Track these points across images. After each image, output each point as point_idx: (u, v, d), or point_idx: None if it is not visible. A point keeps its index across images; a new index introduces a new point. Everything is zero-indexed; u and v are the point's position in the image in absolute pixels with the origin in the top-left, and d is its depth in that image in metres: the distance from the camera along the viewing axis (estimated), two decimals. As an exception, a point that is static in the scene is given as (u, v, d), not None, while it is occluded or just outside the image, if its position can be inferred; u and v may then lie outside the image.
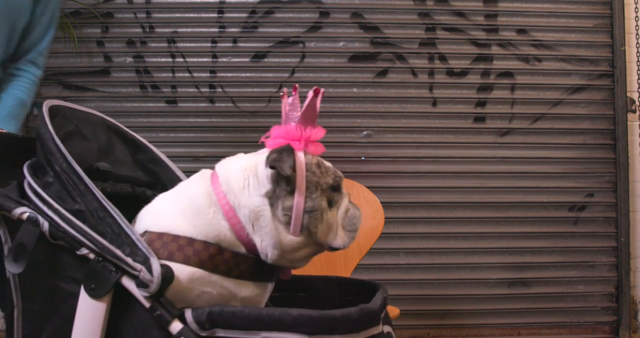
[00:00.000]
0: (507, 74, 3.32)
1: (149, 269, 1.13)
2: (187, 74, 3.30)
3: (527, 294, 3.27)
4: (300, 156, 1.21)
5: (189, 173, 3.45)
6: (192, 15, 3.31)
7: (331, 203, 1.26)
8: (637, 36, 3.36)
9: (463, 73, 3.31)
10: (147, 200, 1.35)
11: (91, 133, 1.49)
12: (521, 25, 3.33)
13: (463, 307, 3.25)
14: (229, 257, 1.20)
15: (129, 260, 1.15)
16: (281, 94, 1.32)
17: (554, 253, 3.29)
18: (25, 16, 1.93)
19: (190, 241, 1.19)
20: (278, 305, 1.43)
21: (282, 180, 1.21)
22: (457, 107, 3.31)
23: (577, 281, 3.29)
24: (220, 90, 3.30)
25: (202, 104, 3.30)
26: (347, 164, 3.23)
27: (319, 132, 1.25)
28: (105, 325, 1.16)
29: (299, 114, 1.26)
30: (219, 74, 3.31)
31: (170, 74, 3.30)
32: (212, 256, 1.19)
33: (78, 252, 1.19)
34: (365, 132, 3.27)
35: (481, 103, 3.31)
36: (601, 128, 3.35)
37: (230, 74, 3.31)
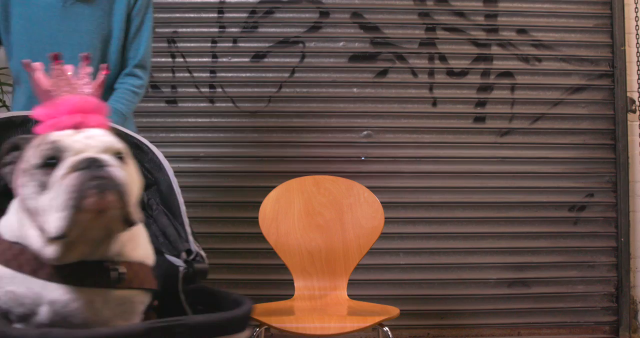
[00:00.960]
0: (507, 74, 3.32)
1: None
2: (187, 74, 3.29)
3: (527, 294, 3.27)
4: (32, 141, 1.16)
5: (189, 173, 3.46)
6: (192, 15, 3.31)
7: (43, 185, 1.11)
8: (637, 36, 3.36)
9: (463, 73, 3.31)
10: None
11: None
12: (521, 25, 3.33)
13: (463, 307, 3.25)
14: (31, 257, 1.09)
15: None
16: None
17: (554, 253, 3.29)
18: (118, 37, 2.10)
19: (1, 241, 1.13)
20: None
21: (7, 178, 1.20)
22: (457, 107, 3.31)
23: (577, 281, 3.29)
24: (220, 90, 3.30)
25: (202, 104, 3.30)
26: (347, 164, 3.23)
27: (73, 104, 1.12)
28: None
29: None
30: (219, 74, 3.30)
31: (170, 74, 3.29)
32: (16, 255, 1.10)
33: None
34: (365, 132, 3.27)
35: (481, 103, 3.31)
36: (601, 128, 3.35)
37: (230, 74, 3.31)
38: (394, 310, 2.20)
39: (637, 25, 3.36)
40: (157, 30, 3.29)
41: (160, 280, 1.26)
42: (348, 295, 2.41)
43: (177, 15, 3.30)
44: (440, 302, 3.26)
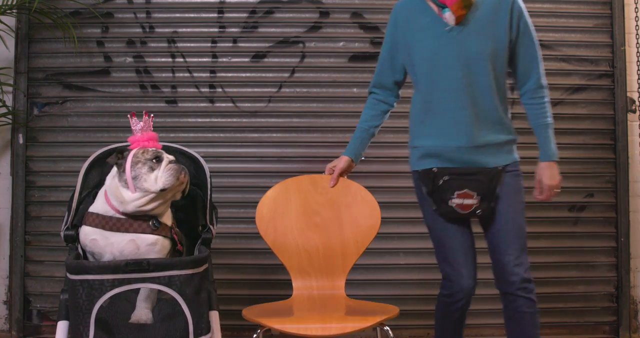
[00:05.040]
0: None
1: None
2: (187, 74, 3.30)
3: (527, 294, 3.26)
4: (132, 151, 2.02)
5: (189, 173, 3.40)
6: (192, 15, 3.31)
7: (153, 168, 1.98)
8: (637, 36, 3.36)
9: (463, 73, 3.31)
10: (194, 193, 2.21)
11: None
12: (521, 25, 3.33)
13: (463, 307, 3.25)
14: (103, 220, 2.00)
15: None
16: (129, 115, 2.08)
17: (554, 253, 3.29)
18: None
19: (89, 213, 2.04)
20: None
21: (119, 167, 2.01)
22: (457, 107, 3.30)
23: (577, 281, 3.29)
24: (220, 90, 3.30)
25: (202, 104, 3.30)
26: (347, 164, 3.22)
27: (149, 136, 2.06)
28: None
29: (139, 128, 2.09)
30: (219, 74, 3.31)
31: (170, 74, 3.30)
32: (95, 220, 2.02)
33: None
34: (365, 132, 3.27)
35: (481, 103, 3.31)
36: (601, 128, 3.35)
37: (230, 74, 3.31)
38: (394, 309, 2.20)
39: (637, 25, 3.36)
40: (157, 30, 3.31)
41: (183, 239, 2.16)
42: (347, 295, 2.41)
43: (177, 15, 3.31)
44: (440, 302, 3.25)
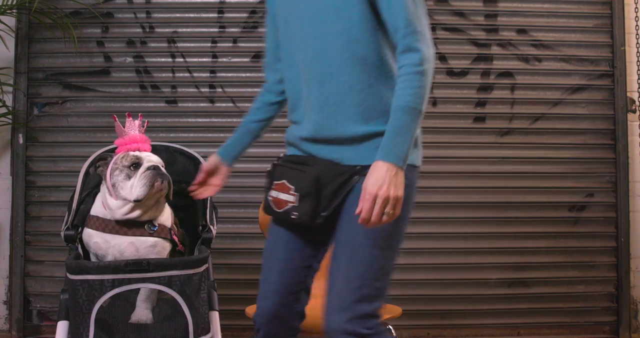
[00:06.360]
0: (507, 74, 3.32)
1: None
2: (187, 74, 3.30)
3: (527, 294, 3.27)
4: (114, 157, 2.01)
5: (188, 173, 3.40)
6: (192, 15, 3.31)
7: (129, 176, 1.94)
8: (637, 36, 3.36)
9: (463, 73, 3.31)
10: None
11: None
12: (521, 25, 3.33)
13: (463, 307, 3.25)
14: (104, 223, 2.00)
15: None
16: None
17: (554, 253, 3.29)
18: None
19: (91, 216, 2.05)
20: None
21: (101, 175, 2.03)
22: (457, 107, 3.31)
23: (577, 281, 3.29)
24: (220, 90, 3.30)
25: (202, 104, 3.30)
26: (347, 164, 3.22)
27: (132, 139, 2.03)
28: None
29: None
30: (219, 74, 3.31)
31: (170, 74, 3.30)
32: (96, 222, 2.02)
33: None
34: (365, 132, 3.26)
35: (481, 103, 3.31)
36: (601, 128, 3.35)
37: (230, 74, 3.31)
38: (396, 309, 2.20)
39: (637, 25, 3.36)
40: (157, 30, 3.30)
41: (186, 238, 2.19)
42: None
43: (177, 15, 3.31)
44: (440, 302, 3.26)
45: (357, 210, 1.46)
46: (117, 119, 2.05)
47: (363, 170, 1.53)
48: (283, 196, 1.60)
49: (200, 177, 1.88)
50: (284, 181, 1.61)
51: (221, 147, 1.91)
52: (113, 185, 1.95)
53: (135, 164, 1.95)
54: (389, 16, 1.52)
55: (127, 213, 1.95)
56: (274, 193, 1.63)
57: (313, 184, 1.57)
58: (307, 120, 1.63)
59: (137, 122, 2.06)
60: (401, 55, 1.51)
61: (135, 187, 1.92)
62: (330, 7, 1.56)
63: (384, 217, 1.45)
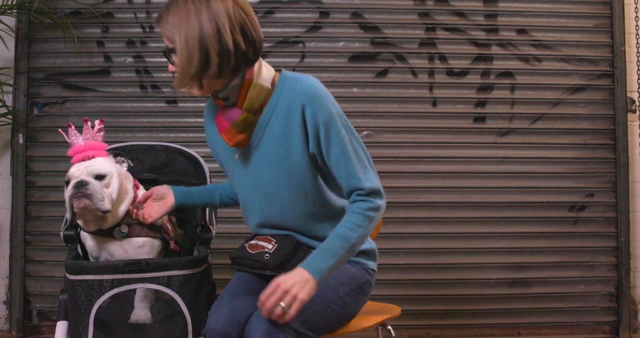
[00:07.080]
0: (507, 74, 3.32)
1: None
2: (187, 74, 3.29)
3: (527, 294, 3.27)
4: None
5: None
6: (192, 15, 3.30)
7: (64, 192, 1.89)
8: (637, 36, 3.36)
9: (463, 73, 3.31)
10: None
11: (145, 156, 2.28)
12: (521, 25, 3.33)
13: (463, 307, 3.25)
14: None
15: None
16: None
17: (554, 253, 3.29)
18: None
19: None
20: None
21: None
22: (457, 107, 3.31)
23: (577, 281, 3.29)
24: (220, 90, 3.30)
25: (202, 104, 3.30)
26: (347, 164, 3.22)
27: (76, 149, 1.99)
28: None
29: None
30: (219, 74, 3.30)
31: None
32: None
33: None
34: (365, 132, 3.27)
35: (481, 103, 3.31)
36: (601, 128, 3.35)
37: (230, 74, 3.30)
38: (395, 309, 2.19)
39: (637, 25, 3.36)
40: (157, 30, 3.30)
41: (185, 238, 2.18)
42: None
43: (177, 15, 3.30)
44: (441, 302, 3.26)
45: (261, 300, 1.53)
46: (71, 126, 2.00)
47: None
48: (262, 243, 1.78)
49: (142, 198, 1.98)
50: (268, 236, 1.80)
51: (180, 187, 2.02)
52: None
53: (67, 182, 1.89)
54: (339, 176, 1.69)
55: (85, 227, 1.94)
56: (254, 241, 1.81)
57: (295, 245, 1.75)
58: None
59: (88, 128, 2.01)
60: (356, 196, 1.66)
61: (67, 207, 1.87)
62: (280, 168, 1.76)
63: (278, 309, 1.51)
